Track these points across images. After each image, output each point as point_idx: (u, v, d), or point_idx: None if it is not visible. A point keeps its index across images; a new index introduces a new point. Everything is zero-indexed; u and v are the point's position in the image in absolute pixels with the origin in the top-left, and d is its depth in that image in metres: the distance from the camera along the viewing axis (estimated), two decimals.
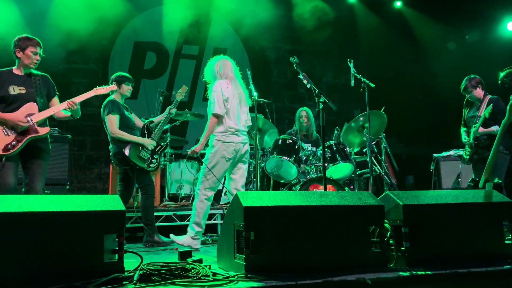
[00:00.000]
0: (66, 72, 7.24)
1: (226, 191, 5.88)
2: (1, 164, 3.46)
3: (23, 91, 3.62)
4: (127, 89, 4.73)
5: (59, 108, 3.67)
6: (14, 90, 3.60)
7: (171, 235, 4.21)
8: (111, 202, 2.49)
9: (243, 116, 4.24)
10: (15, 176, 3.54)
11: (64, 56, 7.09)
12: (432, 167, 6.31)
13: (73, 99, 3.69)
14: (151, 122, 4.86)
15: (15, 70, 3.71)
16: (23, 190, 3.60)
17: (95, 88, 3.87)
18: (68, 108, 3.66)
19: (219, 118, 4.03)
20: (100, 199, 2.51)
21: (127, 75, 4.81)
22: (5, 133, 3.49)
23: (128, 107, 4.87)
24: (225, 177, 4.37)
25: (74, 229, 2.33)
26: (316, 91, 3.77)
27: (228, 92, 4.07)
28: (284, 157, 4.95)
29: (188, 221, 4.34)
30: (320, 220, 2.62)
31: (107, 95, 4.83)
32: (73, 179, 6.28)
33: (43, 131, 3.60)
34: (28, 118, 3.54)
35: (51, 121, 3.94)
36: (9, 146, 3.47)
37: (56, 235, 2.29)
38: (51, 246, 2.26)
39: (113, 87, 4.03)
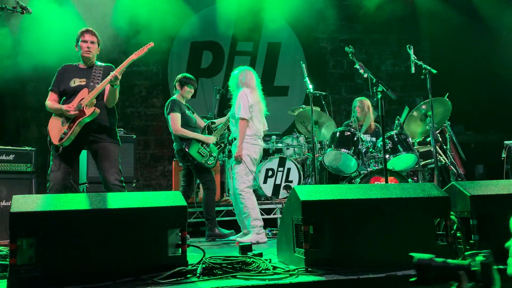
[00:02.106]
0: (128, 75, 7.59)
1: (284, 186, 5.91)
2: (57, 156, 3.51)
3: (83, 83, 3.64)
4: (188, 91, 4.90)
5: (103, 84, 3.55)
6: (74, 82, 3.65)
7: (238, 239, 4.35)
8: (173, 198, 2.59)
9: (263, 123, 4.63)
10: (64, 170, 3.54)
11: (125, 59, 7.41)
12: (503, 155, 5.89)
13: (114, 72, 3.54)
14: (213, 123, 5.02)
15: (80, 64, 3.81)
16: (102, 186, 3.64)
17: (133, 53, 3.65)
18: (111, 80, 3.48)
19: (246, 122, 4.35)
20: (163, 195, 2.61)
21: (192, 77, 4.96)
22: (63, 123, 3.56)
23: (191, 107, 5.04)
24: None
25: (140, 225, 2.45)
26: (374, 80, 3.66)
27: (252, 99, 4.41)
28: (343, 150, 4.86)
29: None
30: (381, 213, 2.55)
31: (169, 97, 5.01)
32: (139, 177, 6.59)
33: (89, 111, 3.52)
34: (80, 103, 3.53)
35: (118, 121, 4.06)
36: (62, 134, 3.52)
37: (124, 230, 2.41)
38: (119, 241, 2.39)
39: (150, 44, 3.69)
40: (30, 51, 6.41)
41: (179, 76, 4.98)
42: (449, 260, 1.53)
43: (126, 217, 2.43)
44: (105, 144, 3.62)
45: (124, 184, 3.61)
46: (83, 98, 3.57)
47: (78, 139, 3.56)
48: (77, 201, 2.40)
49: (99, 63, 3.81)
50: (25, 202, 2.31)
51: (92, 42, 3.72)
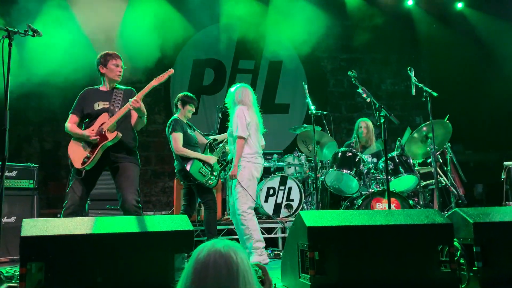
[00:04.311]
0: None
1: (285, 204, 5.93)
2: (78, 178, 3.54)
3: (107, 106, 3.71)
4: (190, 109, 4.93)
5: (124, 110, 3.61)
6: (98, 105, 3.71)
7: None
8: (180, 222, 2.62)
9: (261, 140, 4.57)
10: (83, 191, 3.57)
11: (128, 76, 7.49)
12: (503, 176, 5.94)
13: (135, 97, 3.59)
14: (215, 140, 5.02)
15: (102, 87, 3.85)
16: (119, 206, 3.68)
17: (154, 79, 3.70)
18: (132, 106, 3.55)
19: (244, 140, 4.31)
20: (169, 219, 2.64)
21: (193, 96, 4.99)
22: (84, 148, 3.62)
23: (192, 125, 5.07)
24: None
25: (147, 249, 2.47)
26: (377, 105, 3.72)
27: (249, 118, 4.38)
28: (344, 170, 4.90)
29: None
30: (386, 239, 2.58)
31: (171, 113, 5.06)
32: (139, 193, 6.59)
33: (111, 136, 3.58)
34: (101, 128, 3.60)
35: None
36: (85, 159, 3.58)
37: (131, 255, 2.43)
38: (127, 265, 2.41)
39: (170, 71, 3.79)
40: (34, 67, 6.47)
41: (180, 95, 5.00)
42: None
43: (134, 242, 2.45)
44: (125, 164, 3.67)
45: (140, 205, 3.64)
46: (104, 123, 3.63)
47: (100, 161, 3.62)
48: (86, 225, 2.43)
49: (119, 86, 3.87)
50: (35, 226, 2.33)
51: (122, 67, 3.81)
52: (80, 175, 3.57)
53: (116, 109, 3.67)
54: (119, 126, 3.66)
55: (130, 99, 3.58)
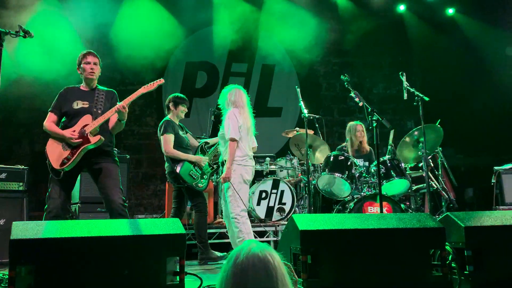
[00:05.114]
0: (122, 93, 7.52)
1: (278, 208, 5.93)
2: (57, 181, 3.48)
3: (86, 105, 3.65)
4: (182, 110, 4.92)
5: (109, 114, 3.58)
6: (77, 104, 3.66)
7: None
8: (172, 225, 2.59)
9: (252, 142, 4.53)
10: (63, 194, 3.52)
11: (120, 78, 7.48)
12: (493, 181, 6.00)
13: (122, 102, 3.57)
14: (206, 143, 5.00)
15: (82, 86, 3.81)
16: (104, 209, 3.66)
17: (143, 87, 3.68)
18: (117, 110, 3.52)
19: (236, 142, 4.27)
20: (161, 223, 2.62)
21: (184, 97, 4.98)
22: (64, 148, 3.56)
23: (184, 127, 5.05)
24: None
25: (138, 252, 2.45)
26: (369, 109, 3.73)
27: (241, 120, 4.34)
28: (336, 174, 4.92)
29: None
30: (378, 243, 2.59)
31: (163, 116, 5.05)
32: (130, 196, 6.55)
33: (94, 139, 3.53)
34: (83, 130, 3.54)
35: None
36: (65, 160, 3.51)
37: (122, 258, 2.41)
38: (118, 269, 2.38)
39: (160, 81, 3.78)
40: (25, 68, 6.42)
41: (172, 96, 4.99)
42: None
43: (125, 245, 2.43)
44: (106, 165, 3.63)
45: (126, 204, 3.61)
46: (86, 125, 3.57)
47: (79, 162, 3.56)
48: (77, 228, 2.40)
49: (101, 87, 3.83)
50: (25, 229, 2.30)
51: (95, 64, 3.74)
52: (58, 176, 3.50)
53: (99, 111, 3.63)
54: (101, 127, 3.62)
55: (118, 102, 3.55)
